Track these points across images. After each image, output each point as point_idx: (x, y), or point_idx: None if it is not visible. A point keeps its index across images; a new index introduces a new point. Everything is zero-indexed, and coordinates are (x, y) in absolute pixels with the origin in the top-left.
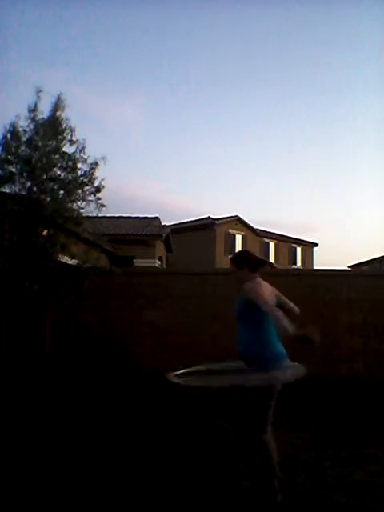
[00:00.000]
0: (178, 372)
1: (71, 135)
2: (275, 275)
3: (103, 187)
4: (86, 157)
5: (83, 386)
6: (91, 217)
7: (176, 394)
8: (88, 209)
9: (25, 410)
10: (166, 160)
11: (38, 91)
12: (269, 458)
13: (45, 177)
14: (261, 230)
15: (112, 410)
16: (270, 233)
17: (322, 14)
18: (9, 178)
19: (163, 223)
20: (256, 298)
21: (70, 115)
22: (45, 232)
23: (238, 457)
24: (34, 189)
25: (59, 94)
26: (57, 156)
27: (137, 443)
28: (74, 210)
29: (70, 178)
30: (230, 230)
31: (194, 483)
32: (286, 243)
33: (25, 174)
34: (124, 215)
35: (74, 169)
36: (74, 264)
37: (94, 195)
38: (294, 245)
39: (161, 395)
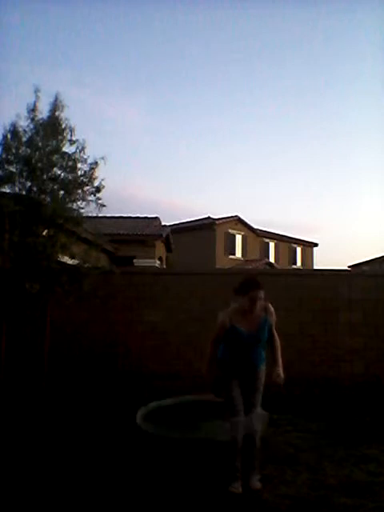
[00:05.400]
0: None
1: (71, 135)
2: (275, 275)
3: (103, 187)
4: (85, 157)
5: (82, 387)
6: (91, 217)
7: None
8: (88, 209)
9: (24, 410)
10: (166, 160)
11: (37, 91)
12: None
13: (45, 177)
14: (261, 230)
15: (111, 411)
16: (270, 233)
17: (324, 14)
18: (9, 178)
19: (163, 223)
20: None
21: (71, 115)
22: (45, 232)
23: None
24: (34, 189)
25: (57, 94)
26: (57, 156)
27: (135, 446)
28: (74, 209)
29: (69, 177)
30: (230, 230)
31: (191, 488)
32: (286, 243)
33: (25, 174)
34: (124, 215)
35: (74, 169)
36: (74, 264)
37: (94, 195)
38: (294, 245)
39: (160, 397)
